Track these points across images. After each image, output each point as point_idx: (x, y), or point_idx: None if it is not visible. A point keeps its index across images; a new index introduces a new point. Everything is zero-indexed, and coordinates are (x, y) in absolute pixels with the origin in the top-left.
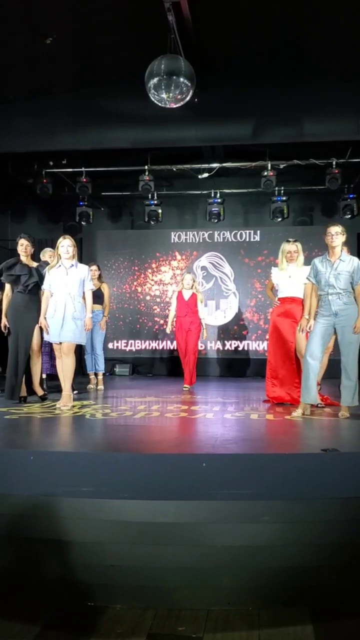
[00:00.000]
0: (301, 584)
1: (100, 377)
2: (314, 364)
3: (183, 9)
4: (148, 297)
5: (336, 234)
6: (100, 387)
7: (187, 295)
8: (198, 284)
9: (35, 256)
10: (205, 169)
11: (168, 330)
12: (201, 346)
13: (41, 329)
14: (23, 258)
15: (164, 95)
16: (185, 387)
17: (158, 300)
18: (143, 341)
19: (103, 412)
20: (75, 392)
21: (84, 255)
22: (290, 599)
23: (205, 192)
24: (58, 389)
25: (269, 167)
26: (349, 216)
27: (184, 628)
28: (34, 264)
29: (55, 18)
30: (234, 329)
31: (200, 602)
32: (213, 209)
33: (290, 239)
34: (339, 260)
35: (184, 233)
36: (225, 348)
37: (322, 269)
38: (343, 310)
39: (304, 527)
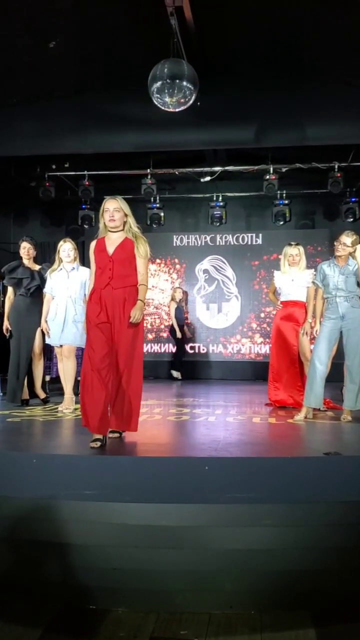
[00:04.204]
0: (303, 588)
1: None
2: (322, 369)
3: (186, 13)
4: (150, 300)
5: (344, 246)
6: None
7: (112, 244)
8: (135, 224)
9: (37, 259)
10: (208, 173)
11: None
12: (203, 349)
13: (43, 332)
14: (25, 261)
15: (167, 99)
16: (116, 433)
17: (159, 303)
18: (145, 344)
19: None
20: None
21: (86, 259)
22: (293, 602)
23: (207, 195)
24: (60, 392)
25: (271, 171)
26: (351, 219)
27: (186, 632)
28: (37, 267)
29: (58, 22)
30: (236, 332)
31: (202, 606)
32: (215, 212)
33: (292, 242)
34: (346, 264)
35: (186, 236)
36: (228, 351)
37: (330, 273)
38: (350, 313)
39: (306, 530)
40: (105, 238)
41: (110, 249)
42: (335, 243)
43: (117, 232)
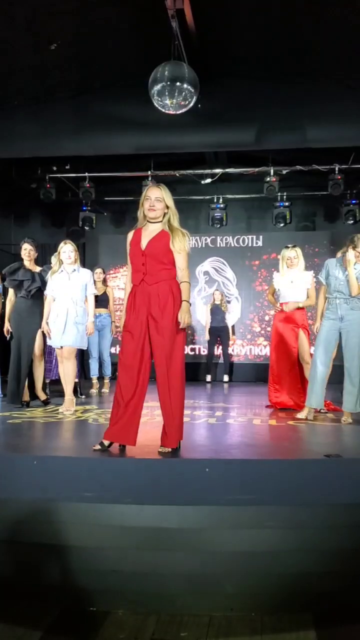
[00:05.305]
0: (304, 590)
1: (106, 381)
2: (322, 369)
3: (187, 16)
4: None
5: None
6: (105, 390)
7: (147, 237)
8: (180, 224)
9: (38, 260)
10: (208, 175)
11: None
12: (203, 350)
13: (44, 334)
14: (26, 263)
15: (168, 102)
16: (163, 450)
17: None
18: None
19: (105, 417)
20: (82, 396)
21: (87, 260)
22: (294, 604)
23: (208, 197)
24: (61, 394)
25: (272, 173)
26: (352, 222)
27: (187, 634)
28: (37, 269)
29: (60, 24)
30: (236, 333)
31: (203, 608)
32: (216, 214)
33: (290, 245)
34: (351, 268)
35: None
36: (228, 352)
37: (334, 273)
38: (349, 314)
39: (307, 533)
40: (142, 229)
41: (144, 242)
42: (351, 248)
43: (156, 223)
